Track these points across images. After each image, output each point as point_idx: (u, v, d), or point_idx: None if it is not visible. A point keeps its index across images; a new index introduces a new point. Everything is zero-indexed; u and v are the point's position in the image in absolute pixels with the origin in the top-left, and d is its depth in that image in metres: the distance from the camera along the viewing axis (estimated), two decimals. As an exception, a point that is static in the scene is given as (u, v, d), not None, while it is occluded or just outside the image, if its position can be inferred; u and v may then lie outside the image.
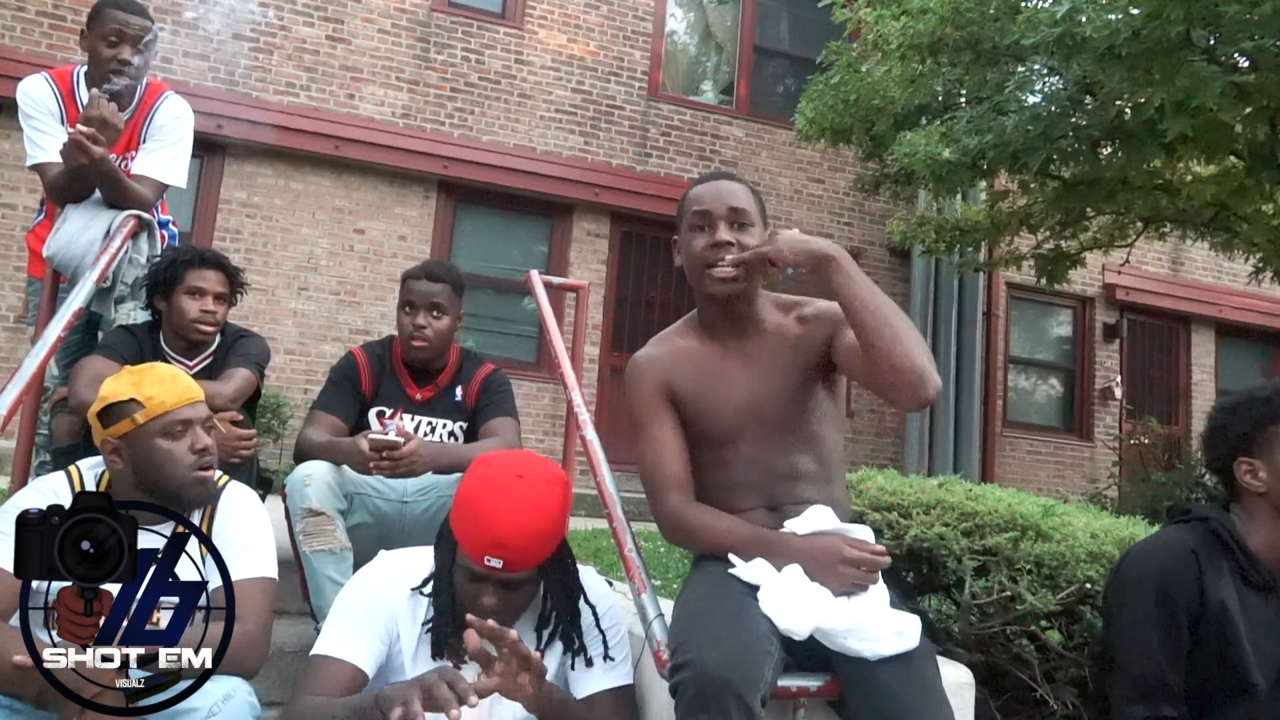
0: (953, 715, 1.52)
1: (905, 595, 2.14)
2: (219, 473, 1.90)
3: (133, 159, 2.79)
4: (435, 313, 2.62)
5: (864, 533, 1.67)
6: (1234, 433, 1.81)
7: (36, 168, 2.74)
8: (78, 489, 1.81)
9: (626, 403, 1.89)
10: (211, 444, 1.81)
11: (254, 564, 1.77)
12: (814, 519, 1.68)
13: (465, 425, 2.68)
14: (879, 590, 1.62)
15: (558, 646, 1.71)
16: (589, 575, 1.83)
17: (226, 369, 2.56)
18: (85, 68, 2.83)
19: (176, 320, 2.55)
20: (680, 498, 1.76)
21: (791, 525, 1.68)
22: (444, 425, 2.66)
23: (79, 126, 2.51)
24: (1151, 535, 1.91)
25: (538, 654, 1.52)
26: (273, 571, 1.82)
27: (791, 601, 1.55)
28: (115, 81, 2.71)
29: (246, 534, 1.82)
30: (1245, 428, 1.79)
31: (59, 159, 2.64)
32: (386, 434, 2.35)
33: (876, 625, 1.54)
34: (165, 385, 1.79)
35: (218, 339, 2.66)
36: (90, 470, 1.86)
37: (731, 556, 1.67)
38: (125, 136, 2.78)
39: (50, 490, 1.79)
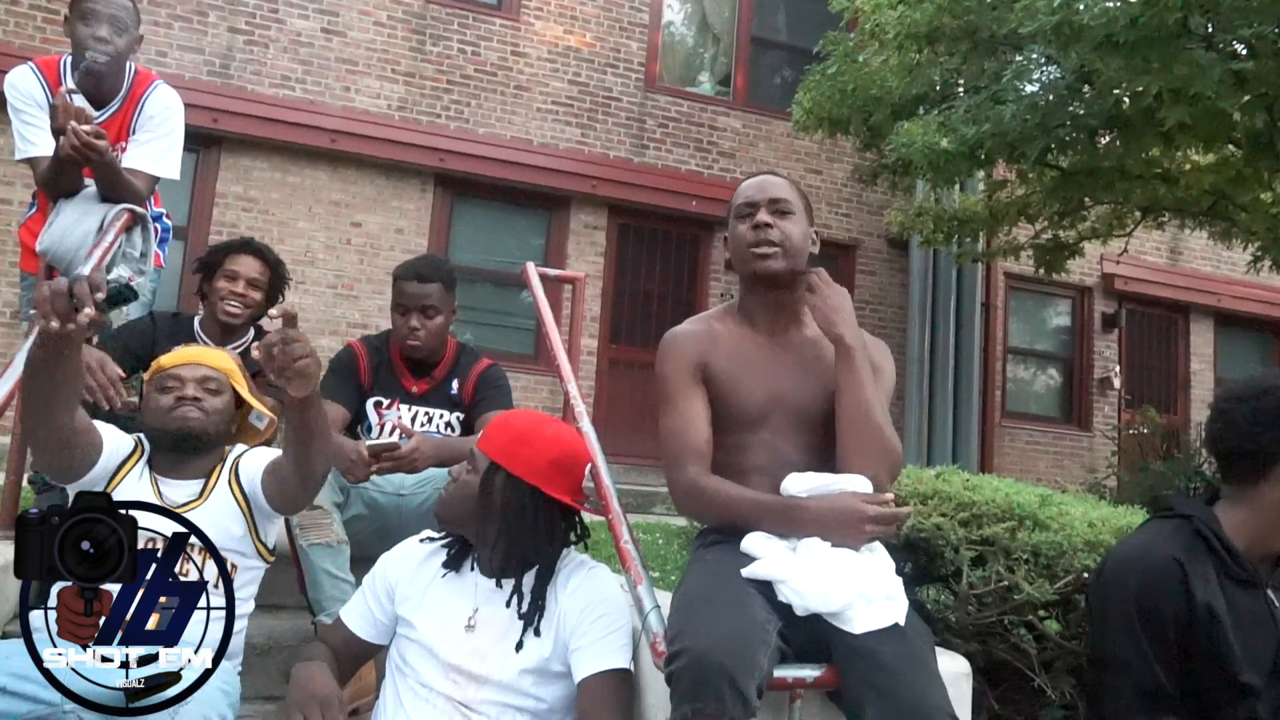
0: (946, 691, 1.53)
1: (904, 586, 2.14)
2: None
3: (123, 151, 2.76)
4: (428, 314, 2.63)
5: (863, 484, 1.70)
6: None
7: (27, 161, 2.71)
8: (140, 447, 2.00)
9: (656, 377, 1.93)
10: (198, 397, 1.96)
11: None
12: (807, 480, 1.71)
13: (461, 417, 2.70)
14: (883, 555, 1.67)
15: (549, 624, 1.75)
16: (600, 571, 1.86)
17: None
18: (70, 55, 2.80)
19: (212, 301, 2.66)
20: (698, 468, 1.79)
21: (789, 488, 1.71)
22: (440, 416, 2.68)
23: (73, 130, 2.45)
24: (1130, 537, 1.85)
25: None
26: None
27: (811, 582, 1.57)
28: (90, 59, 2.65)
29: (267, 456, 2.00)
30: None
31: (49, 152, 2.62)
32: (384, 438, 2.37)
33: (874, 593, 1.58)
34: (174, 354, 2.05)
35: (251, 333, 2.68)
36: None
37: (746, 548, 1.68)
38: (115, 128, 2.75)
39: (121, 434, 1.99)
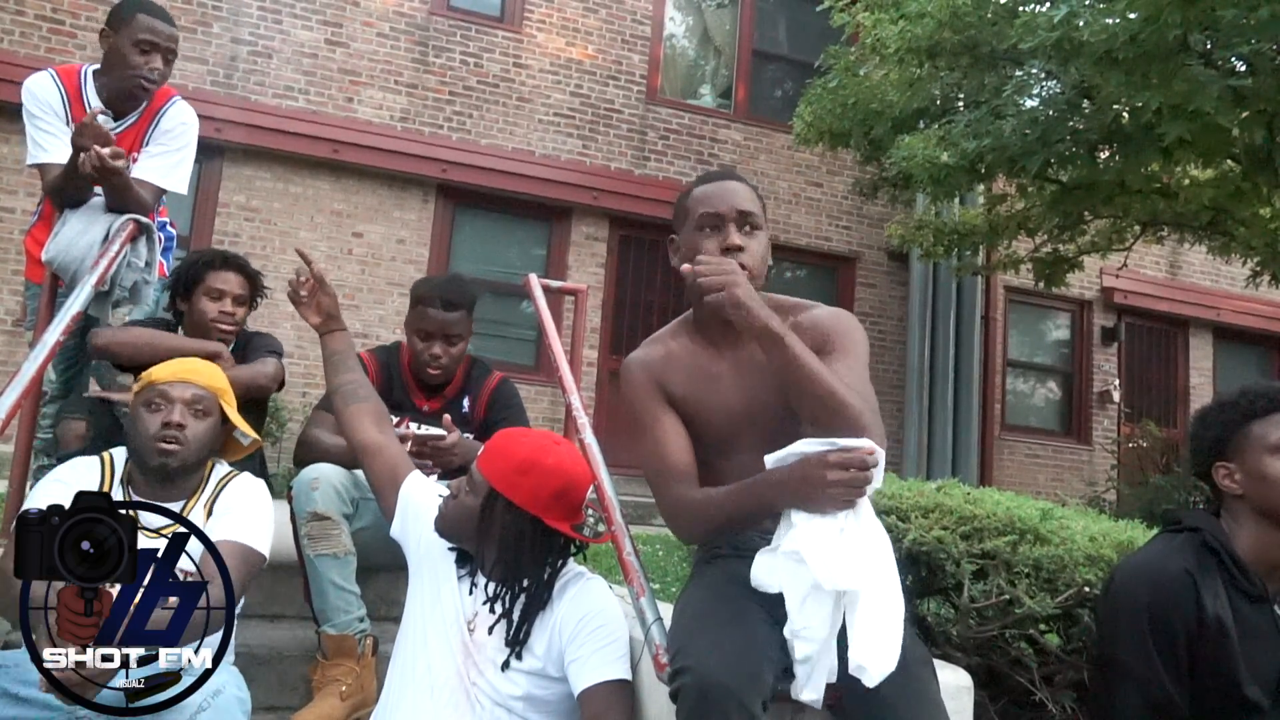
0: (947, 717, 1.52)
1: (905, 599, 2.14)
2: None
3: (135, 162, 2.77)
4: (451, 341, 2.61)
5: (826, 443, 1.51)
6: (1209, 438, 1.82)
7: (38, 167, 2.71)
8: (108, 471, 1.95)
9: (624, 406, 1.85)
10: (181, 423, 1.92)
11: (245, 534, 1.85)
12: (790, 449, 1.55)
13: (471, 437, 2.67)
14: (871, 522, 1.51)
15: (543, 632, 1.76)
16: (596, 583, 1.86)
17: (252, 361, 2.63)
18: (94, 66, 2.81)
19: (197, 320, 2.60)
20: (682, 486, 1.69)
21: (770, 460, 1.56)
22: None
23: (95, 153, 2.47)
24: (1141, 551, 1.86)
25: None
26: (261, 548, 1.89)
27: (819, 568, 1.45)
28: (147, 87, 2.74)
29: (247, 511, 1.91)
30: (1218, 432, 1.80)
31: (60, 160, 2.63)
32: (421, 428, 2.44)
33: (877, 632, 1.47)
34: (167, 367, 2.00)
35: (233, 341, 2.69)
36: (121, 454, 1.97)
37: (755, 572, 1.57)
38: (130, 139, 2.77)
39: (87, 468, 1.95)
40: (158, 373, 1.96)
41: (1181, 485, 6.51)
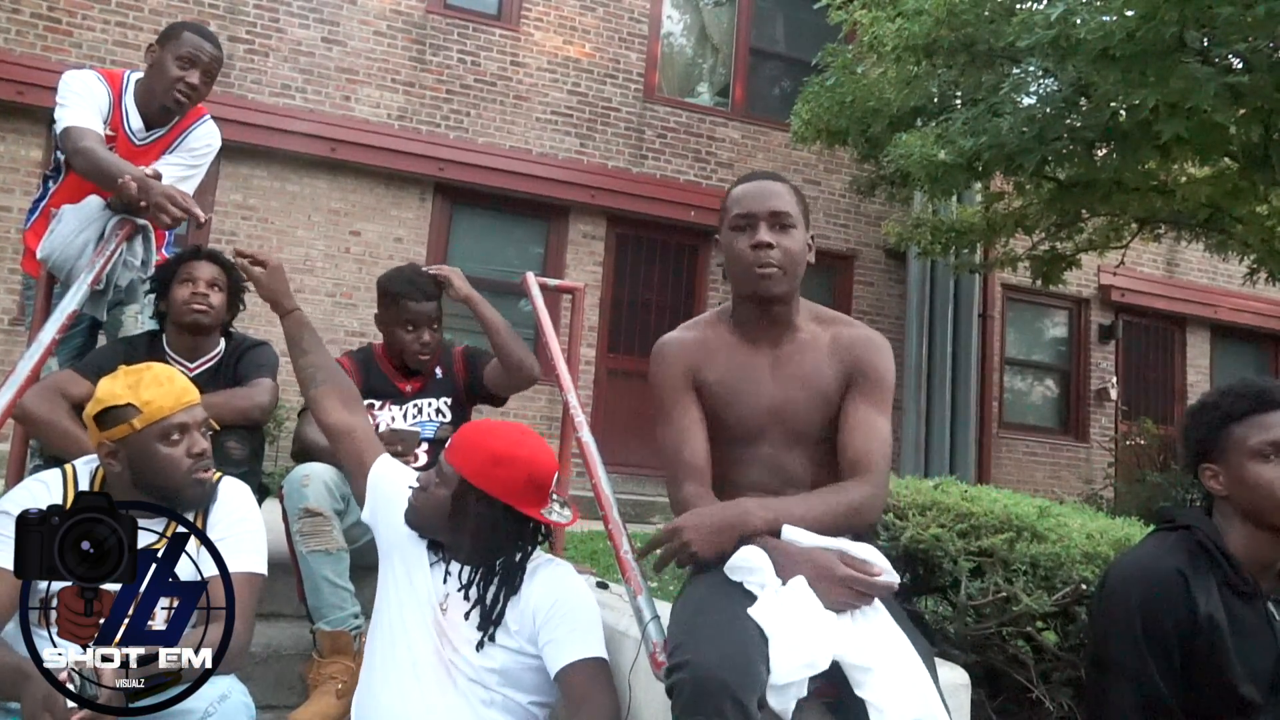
0: (945, 705, 1.53)
1: (902, 597, 2.15)
2: (216, 472, 1.93)
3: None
4: (435, 326, 2.79)
5: (867, 551, 1.63)
6: (1194, 440, 1.81)
7: (68, 130, 2.65)
8: (71, 485, 1.82)
9: (651, 385, 1.89)
10: (208, 447, 1.85)
11: (244, 559, 1.80)
12: (805, 536, 1.64)
13: (450, 401, 2.82)
14: (898, 641, 1.56)
15: (514, 616, 1.80)
16: (565, 568, 1.91)
17: (249, 379, 2.60)
18: (137, 75, 2.84)
19: (174, 312, 2.58)
20: (694, 488, 1.77)
21: (793, 535, 1.64)
22: (429, 404, 2.81)
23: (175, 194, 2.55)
24: (1134, 550, 1.86)
25: None
26: (262, 568, 1.86)
27: (802, 639, 1.50)
28: (176, 101, 2.79)
29: (239, 529, 1.85)
30: (1203, 433, 1.79)
31: (90, 126, 2.64)
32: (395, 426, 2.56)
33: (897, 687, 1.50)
34: (163, 389, 1.79)
35: (222, 344, 2.67)
36: (85, 466, 1.87)
37: (737, 562, 1.63)
38: (158, 149, 2.83)
39: (44, 485, 1.81)
40: (161, 401, 1.78)
41: (1179, 482, 6.52)
